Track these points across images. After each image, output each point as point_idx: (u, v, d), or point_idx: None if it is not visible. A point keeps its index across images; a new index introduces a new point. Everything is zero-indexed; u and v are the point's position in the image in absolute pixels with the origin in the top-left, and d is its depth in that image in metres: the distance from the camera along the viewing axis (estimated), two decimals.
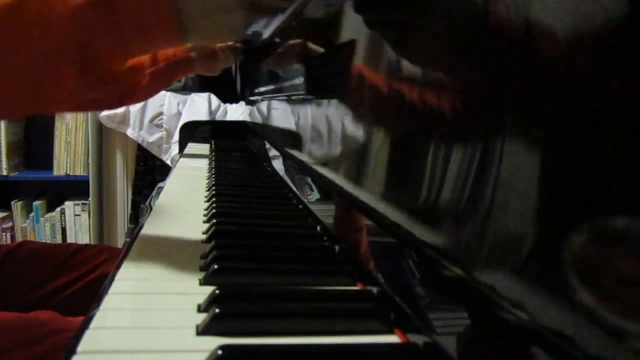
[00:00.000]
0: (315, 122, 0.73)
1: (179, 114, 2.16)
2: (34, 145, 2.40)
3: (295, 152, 0.81)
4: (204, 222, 0.62)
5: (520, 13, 0.28)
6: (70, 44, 0.50)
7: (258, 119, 1.37)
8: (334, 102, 0.63)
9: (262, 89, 1.25)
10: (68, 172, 2.25)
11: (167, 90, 2.21)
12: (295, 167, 0.81)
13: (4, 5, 0.49)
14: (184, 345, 0.32)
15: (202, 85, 2.46)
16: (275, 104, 1.09)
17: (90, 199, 2.22)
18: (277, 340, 0.34)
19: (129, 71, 0.61)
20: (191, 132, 1.57)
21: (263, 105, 1.29)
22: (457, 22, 0.36)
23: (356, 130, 0.54)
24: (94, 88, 0.56)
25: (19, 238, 2.29)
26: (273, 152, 1.05)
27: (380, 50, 0.49)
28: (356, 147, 0.53)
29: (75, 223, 2.30)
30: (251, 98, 1.21)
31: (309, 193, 0.69)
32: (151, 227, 0.60)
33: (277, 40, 0.94)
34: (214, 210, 0.63)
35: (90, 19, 0.51)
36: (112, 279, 0.42)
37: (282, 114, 1.00)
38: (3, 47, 0.50)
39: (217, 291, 0.37)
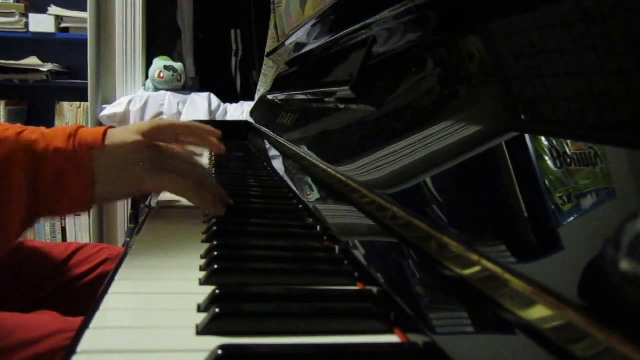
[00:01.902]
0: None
1: (179, 113, 2.16)
2: None
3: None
4: (204, 222, 0.62)
5: None
6: None
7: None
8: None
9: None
10: None
11: (167, 90, 2.21)
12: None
13: None
14: (184, 345, 0.32)
15: (202, 85, 2.46)
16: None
17: None
18: (277, 340, 0.34)
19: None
20: None
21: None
22: None
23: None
24: None
25: None
26: (273, 152, 1.05)
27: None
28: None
29: (75, 223, 2.30)
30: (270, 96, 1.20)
31: (309, 193, 0.69)
32: (151, 227, 0.60)
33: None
34: None
35: (11, 175, 0.51)
36: (112, 279, 0.42)
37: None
38: None
39: (217, 291, 0.37)
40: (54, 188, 0.54)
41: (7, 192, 0.51)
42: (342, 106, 0.72)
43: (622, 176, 0.26)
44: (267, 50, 1.67)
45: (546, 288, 0.24)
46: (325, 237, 0.55)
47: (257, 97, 1.81)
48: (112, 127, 0.61)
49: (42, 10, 2.30)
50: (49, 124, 2.30)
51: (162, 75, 2.20)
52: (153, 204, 0.72)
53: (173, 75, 2.21)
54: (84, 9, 2.18)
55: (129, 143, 0.58)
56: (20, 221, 0.54)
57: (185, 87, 2.33)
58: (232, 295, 0.38)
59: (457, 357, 0.28)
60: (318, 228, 0.59)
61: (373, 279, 0.42)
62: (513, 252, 0.29)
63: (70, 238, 2.29)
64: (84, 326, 0.33)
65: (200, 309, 0.37)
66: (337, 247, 0.51)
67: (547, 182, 0.29)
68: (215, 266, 0.43)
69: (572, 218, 0.27)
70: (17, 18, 2.26)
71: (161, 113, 2.15)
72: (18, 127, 0.57)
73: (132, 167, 0.58)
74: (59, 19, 2.29)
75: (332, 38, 0.88)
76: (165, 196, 0.77)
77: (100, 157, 0.56)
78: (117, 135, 0.59)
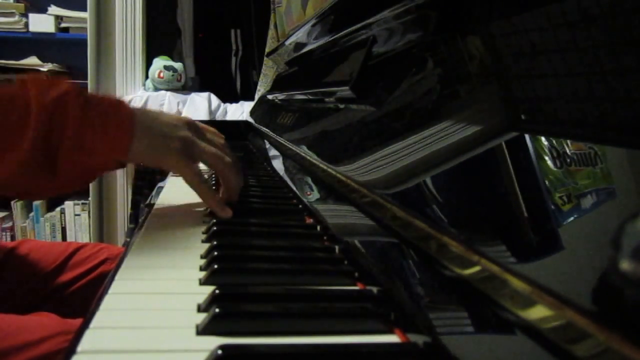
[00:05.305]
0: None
1: (179, 113, 2.16)
2: None
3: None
4: (204, 222, 0.62)
5: None
6: (39, 124, 0.53)
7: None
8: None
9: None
10: None
11: (167, 90, 2.21)
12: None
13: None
14: (184, 345, 0.32)
15: (202, 85, 2.46)
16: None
17: (90, 198, 2.22)
18: (277, 340, 0.34)
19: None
20: None
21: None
22: None
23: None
24: (32, 174, 0.56)
25: (19, 238, 2.29)
26: (273, 152, 1.05)
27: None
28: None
29: (75, 223, 2.30)
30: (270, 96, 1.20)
31: (309, 193, 0.69)
32: (151, 227, 0.60)
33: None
34: None
35: (66, 108, 0.55)
36: (112, 279, 0.42)
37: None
38: None
39: (217, 291, 0.37)
40: (98, 128, 0.57)
41: (61, 125, 0.55)
42: (342, 106, 0.72)
43: (622, 176, 0.26)
44: (267, 50, 1.67)
45: (546, 288, 0.24)
46: (325, 237, 0.56)
47: (257, 97, 1.81)
48: None
49: (42, 10, 2.30)
50: None
51: (162, 75, 2.20)
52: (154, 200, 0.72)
53: (173, 75, 2.21)
54: (84, 9, 2.18)
55: (170, 113, 0.63)
56: (71, 160, 0.56)
57: (185, 87, 2.33)
58: (232, 295, 0.38)
59: (457, 357, 0.28)
60: (318, 228, 0.59)
61: (373, 279, 0.42)
62: (513, 252, 0.29)
63: (70, 238, 2.28)
64: (84, 326, 0.33)
65: (200, 309, 0.37)
66: (337, 247, 0.51)
67: (547, 182, 0.29)
68: (215, 266, 0.43)
69: (572, 218, 0.27)
70: (17, 18, 2.26)
71: None
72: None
73: (167, 134, 0.60)
74: (58, 18, 2.29)
75: (332, 38, 0.88)
76: (165, 196, 0.78)
77: (140, 115, 0.60)
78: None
